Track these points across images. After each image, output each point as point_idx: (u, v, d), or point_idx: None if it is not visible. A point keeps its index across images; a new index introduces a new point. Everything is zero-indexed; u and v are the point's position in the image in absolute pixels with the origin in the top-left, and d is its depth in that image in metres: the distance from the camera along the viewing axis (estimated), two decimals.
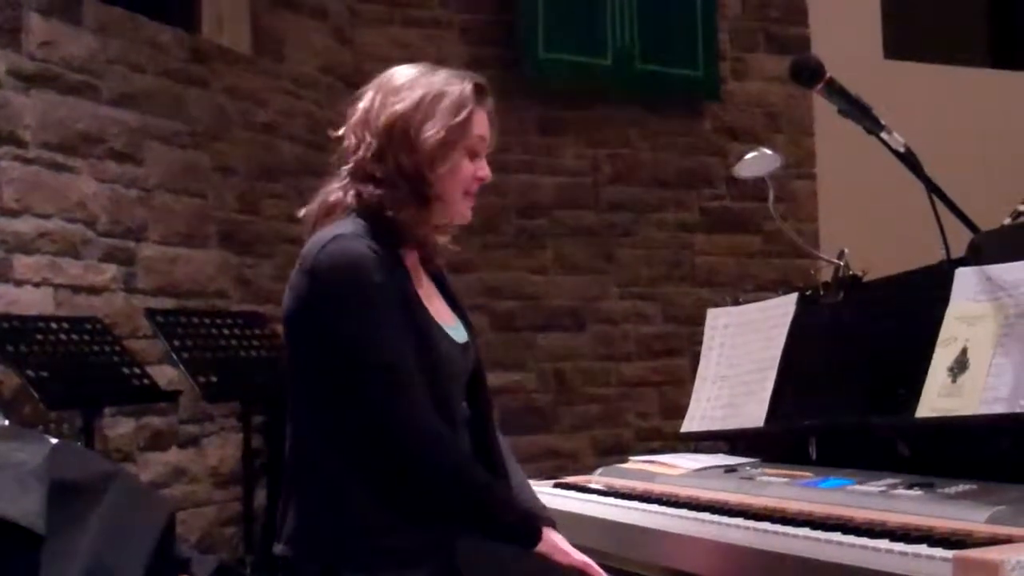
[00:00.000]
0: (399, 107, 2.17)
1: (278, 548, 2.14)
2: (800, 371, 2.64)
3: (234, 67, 5.49)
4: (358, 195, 2.17)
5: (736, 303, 2.97)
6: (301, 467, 2.14)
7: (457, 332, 2.26)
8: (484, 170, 2.24)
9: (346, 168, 2.22)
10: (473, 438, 2.25)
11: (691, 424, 2.90)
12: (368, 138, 2.18)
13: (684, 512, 2.29)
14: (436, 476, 2.08)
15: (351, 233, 2.11)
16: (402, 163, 2.16)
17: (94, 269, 4.62)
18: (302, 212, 2.25)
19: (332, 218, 2.19)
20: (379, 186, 2.16)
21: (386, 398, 2.05)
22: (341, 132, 2.25)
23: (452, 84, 2.20)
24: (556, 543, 2.15)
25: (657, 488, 2.57)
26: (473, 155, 2.21)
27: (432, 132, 2.15)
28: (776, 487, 2.31)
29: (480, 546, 2.10)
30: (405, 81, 2.21)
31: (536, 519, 2.17)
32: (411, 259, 2.23)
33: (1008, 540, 1.66)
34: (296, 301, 2.13)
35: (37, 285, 4.36)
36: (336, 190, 2.21)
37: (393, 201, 2.15)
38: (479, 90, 2.23)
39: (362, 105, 2.22)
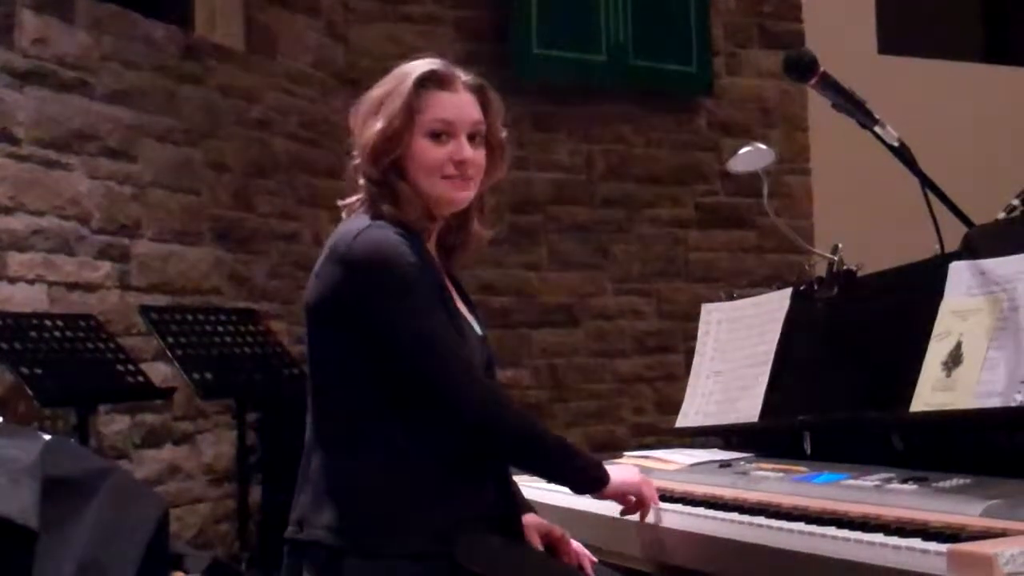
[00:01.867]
0: (361, 112, 2.25)
1: (288, 531, 2.18)
2: (794, 366, 2.64)
3: (227, 64, 5.48)
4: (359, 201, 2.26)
5: (730, 298, 2.97)
6: (315, 454, 2.17)
7: (476, 324, 2.32)
8: (461, 151, 2.22)
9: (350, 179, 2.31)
10: None
11: (685, 419, 2.91)
12: (355, 149, 2.27)
13: (679, 507, 2.29)
14: (514, 430, 2.17)
15: (379, 223, 2.17)
16: (363, 165, 2.23)
17: (88, 266, 4.62)
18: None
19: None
20: (365, 191, 2.24)
21: (439, 370, 2.11)
22: None
23: (403, 79, 2.23)
24: (625, 479, 2.24)
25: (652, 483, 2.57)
26: (436, 137, 2.22)
27: (376, 127, 2.20)
28: (770, 482, 2.31)
29: (480, 540, 2.12)
30: (374, 89, 2.27)
31: (602, 465, 2.25)
32: (433, 253, 2.28)
33: (1002, 533, 1.66)
34: (326, 288, 2.16)
35: (31, 282, 4.36)
36: (349, 200, 2.31)
37: (375, 200, 2.21)
38: (431, 75, 2.23)
39: None
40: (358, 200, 2.26)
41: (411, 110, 2.20)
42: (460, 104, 2.24)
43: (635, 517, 2.28)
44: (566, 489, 2.61)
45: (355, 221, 2.20)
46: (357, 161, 2.26)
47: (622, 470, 2.29)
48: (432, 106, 2.22)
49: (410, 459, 2.11)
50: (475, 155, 2.24)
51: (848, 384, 2.45)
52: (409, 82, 2.21)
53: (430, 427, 2.12)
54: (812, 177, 7.21)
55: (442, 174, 2.22)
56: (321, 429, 2.18)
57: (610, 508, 2.46)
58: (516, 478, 2.36)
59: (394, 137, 2.19)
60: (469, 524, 2.12)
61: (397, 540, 2.07)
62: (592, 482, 2.22)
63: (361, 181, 2.24)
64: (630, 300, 6.88)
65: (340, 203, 2.31)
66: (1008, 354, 2.03)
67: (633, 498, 2.26)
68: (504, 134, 2.32)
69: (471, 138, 2.24)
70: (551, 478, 2.30)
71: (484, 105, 2.27)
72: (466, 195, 2.25)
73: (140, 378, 4.26)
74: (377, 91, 2.25)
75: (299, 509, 2.17)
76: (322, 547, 2.10)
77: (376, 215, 2.19)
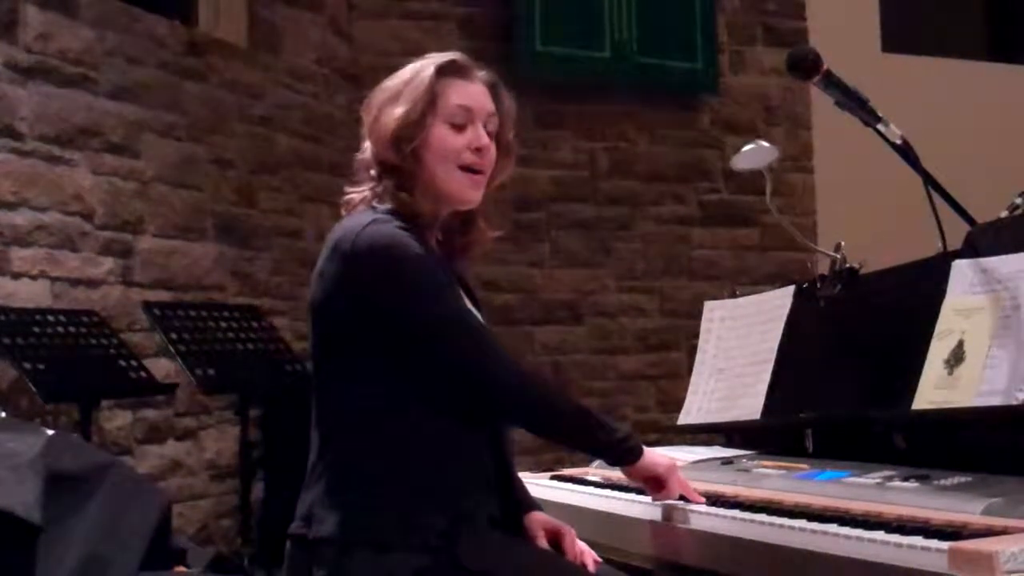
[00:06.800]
0: (376, 102, 2.25)
1: (293, 527, 2.18)
2: (797, 364, 2.64)
3: (231, 60, 5.48)
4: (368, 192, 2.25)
5: (733, 296, 2.97)
6: (324, 451, 2.17)
7: (479, 315, 2.31)
8: (479, 139, 2.23)
9: (360, 171, 2.30)
10: None
11: (688, 417, 2.91)
12: (367, 140, 2.27)
13: (680, 504, 2.29)
14: (549, 403, 2.21)
15: (382, 218, 2.17)
16: (380, 153, 2.22)
17: (91, 262, 4.62)
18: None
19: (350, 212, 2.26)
20: (376, 181, 2.23)
21: (473, 348, 2.14)
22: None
23: (422, 68, 2.25)
24: (656, 461, 2.26)
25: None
26: (456, 126, 2.23)
27: (396, 113, 2.21)
28: (772, 479, 2.31)
29: (484, 538, 2.12)
30: (390, 80, 2.28)
31: (636, 437, 2.27)
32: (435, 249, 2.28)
33: (1003, 531, 1.66)
34: (332, 285, 2.16)
35: (34, 278, 4.36)
36: (354, 192, 2.28)
37: (388, 191, 2.21)
38: (450, 64, 2.26)
39: None
40: (362, 194, 2.25)
41: (433, 96, 2.21)
42: (478, 93, 2.26)
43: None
44: (563, 485, 2.62)
45: (357, 217, 2.19)
46: (366, 154, 2.26)
47: (656, 455, 2.29)
48: (452, 93, 2.23)
49: (418, 453, 2.12)
50: (491, 145, 2.26)
51: (850, 382, 2.45)
52: (430, 70, 2.23)
53: (437, 422, 2.13)
54: (815, 175, 7.21)
55: (460, 163, 2.22)
56: (329, 427, 2.17)
57: (611, 506, 2.47)
58: (522, 475, 2.36)
59: (416, 122, 2.20)
60: (474, 520, 2.12)
61: (407, 533, 2.07)
62: (625, 453, 2.24)
63: (372, 172, 2.24)
64: (633, 297, 6.89)
65: (347, 190, 2.29)
66: (1010, 352, 2.03)
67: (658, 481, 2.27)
68: (512, 135, 2.33)
69: (485, 131, 2.25)
70: (584, 449, 2.35)
71: (496, 102, 2.29)
72: (478, 194, 2.26)
73: (142, 374, 4.26)
74: (393, 81, 2.25)
75: (306, 505, 2.16)
76: (331, 542, 2.10)
77: (386, 206, 2.19)
